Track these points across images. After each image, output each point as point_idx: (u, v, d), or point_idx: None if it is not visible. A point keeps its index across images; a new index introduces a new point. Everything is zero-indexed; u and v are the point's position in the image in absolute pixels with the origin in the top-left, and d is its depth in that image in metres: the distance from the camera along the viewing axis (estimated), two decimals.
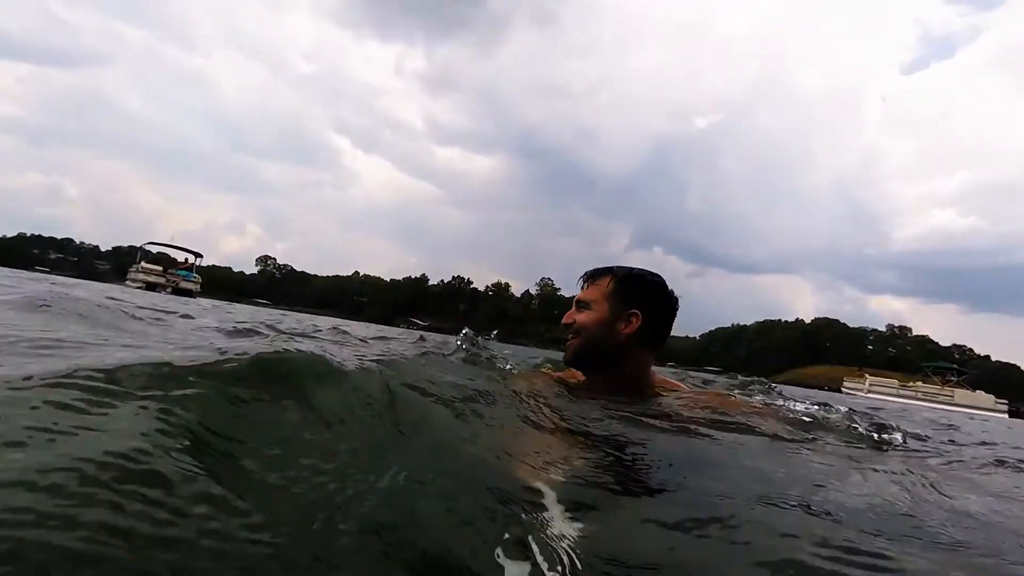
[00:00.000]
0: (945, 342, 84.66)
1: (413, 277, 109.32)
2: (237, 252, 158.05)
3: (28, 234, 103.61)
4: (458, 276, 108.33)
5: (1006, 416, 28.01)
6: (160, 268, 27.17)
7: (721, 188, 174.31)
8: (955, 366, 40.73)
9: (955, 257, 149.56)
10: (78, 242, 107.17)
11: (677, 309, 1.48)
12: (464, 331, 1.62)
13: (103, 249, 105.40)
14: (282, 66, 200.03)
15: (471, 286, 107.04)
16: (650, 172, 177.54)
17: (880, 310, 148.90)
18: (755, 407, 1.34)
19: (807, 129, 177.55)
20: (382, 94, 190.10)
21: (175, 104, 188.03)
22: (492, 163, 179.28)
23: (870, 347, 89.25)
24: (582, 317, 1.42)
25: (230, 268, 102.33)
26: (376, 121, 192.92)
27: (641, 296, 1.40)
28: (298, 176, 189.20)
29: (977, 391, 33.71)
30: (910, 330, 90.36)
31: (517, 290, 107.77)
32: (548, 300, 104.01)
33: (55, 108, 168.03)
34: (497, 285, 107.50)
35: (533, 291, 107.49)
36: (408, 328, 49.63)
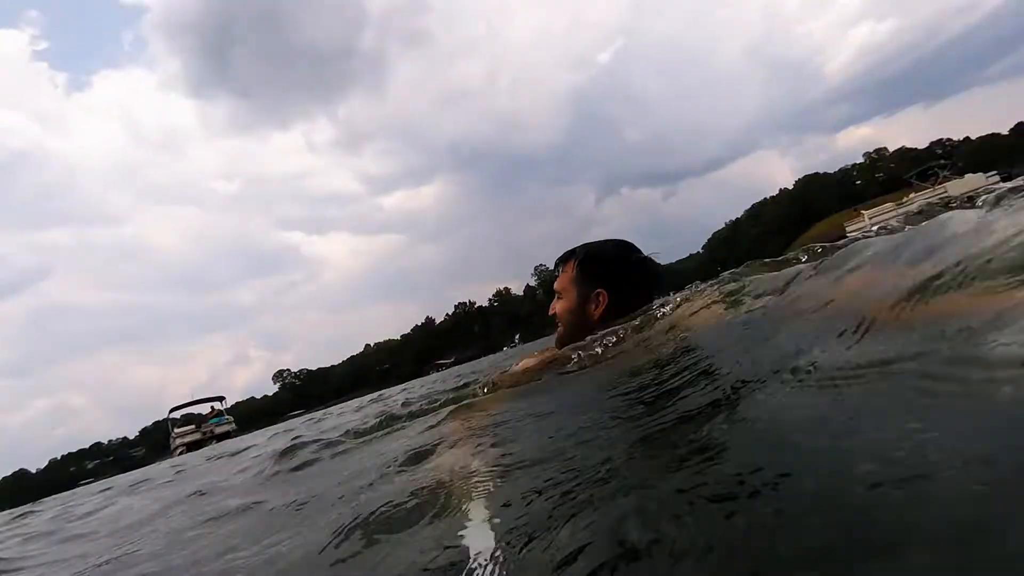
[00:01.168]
0: (923, 144, 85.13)
1: (420, 324, 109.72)
2: (251, 380, 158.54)
3: (58, 456, 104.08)
4: (460, 303, 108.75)
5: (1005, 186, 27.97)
6: (193, 426, 27.83)
7: (649, 107, 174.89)
8: (942, 161, 40.98)
9: (895, 61, 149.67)
10: (107, 442, 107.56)
11: (648, 270, 1.46)
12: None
13: (131, 437, 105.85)
14: (206, 196, 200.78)
15: (476, 306, 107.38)
16: (581, 125, 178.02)
17: (850, 144, 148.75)
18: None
19: (702, 15, 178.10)
20: (308, 175, 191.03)
21: (124, 280, 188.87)
22: (437, 188, 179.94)
23: (859, 183, 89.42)
24: (558, 306, 1.47)
25: (253, 397, 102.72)
26: (315, 202, 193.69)
27: (603, 273, 1.41)
28: (270, 286, 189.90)
29: (966, 176, 34.00)
30: (886, 149, 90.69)
31: (518, 289, 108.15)
32: (551, 284, 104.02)
33: (23, 335, 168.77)
34: (499, 294, 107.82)
35: (533, 283, 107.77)
36: (438, 372, 49.96)
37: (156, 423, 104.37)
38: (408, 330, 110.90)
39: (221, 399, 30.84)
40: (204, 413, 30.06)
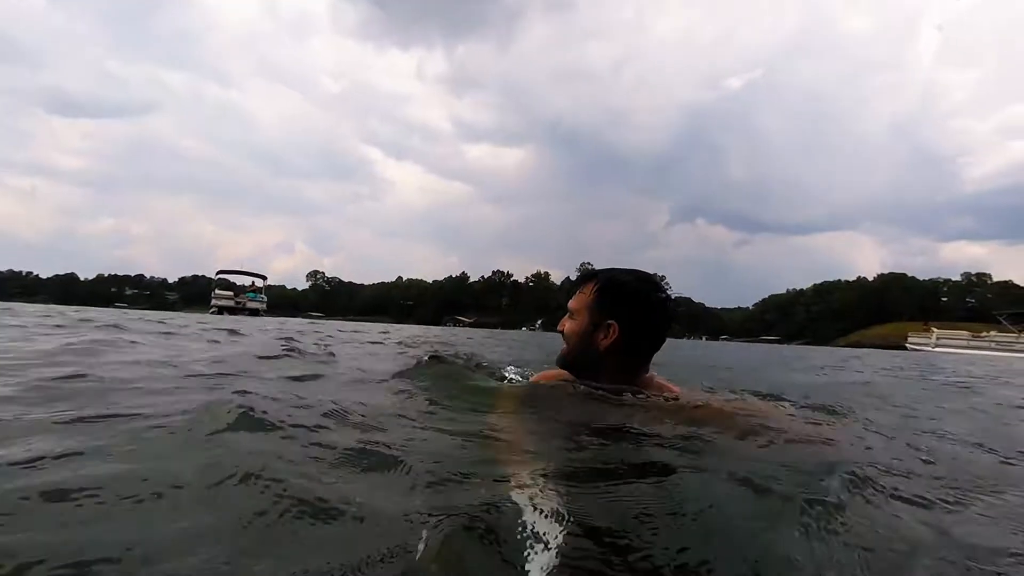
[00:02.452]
0: None
1: (454, 276, 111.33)
2: (289, 270, 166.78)
3: (106, 274, 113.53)
4: (498, 270, 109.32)
5: None
6: (231, 293, 29.97)
7: (764, 149, 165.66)
8: None
9: None
10: (148, 277, 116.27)
11: (667, 314, 1.40)
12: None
13: (171, 281, 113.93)
14: (311, 88, 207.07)
15: (511, 279, 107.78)
16: (686, 143, 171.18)
17: (955, 258, 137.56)
18: (747, 423, 1.16)
19: (856, 73, 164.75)
20: (407, 101, 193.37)
21: (220, 138, 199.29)
22: (522, 155, 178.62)
23: (944, 299, 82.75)
24: (567, 326, 1.42)
25: (284, 286, 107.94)
26: (404, 128, 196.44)
27: (620, 305, 1.36)
28: (338, 191, 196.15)
29: None
30: (989, 276, 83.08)
31: (557, 278, 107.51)
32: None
33: (116, 156, 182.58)
34: (537, 275, 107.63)
35: (573, 277, 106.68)
36: (454, 326, 50.96)
37: (195, 276, 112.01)
38: (441, 278, 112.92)
39: (264, 278, 32.67)
40: (245, 285, 31.93)
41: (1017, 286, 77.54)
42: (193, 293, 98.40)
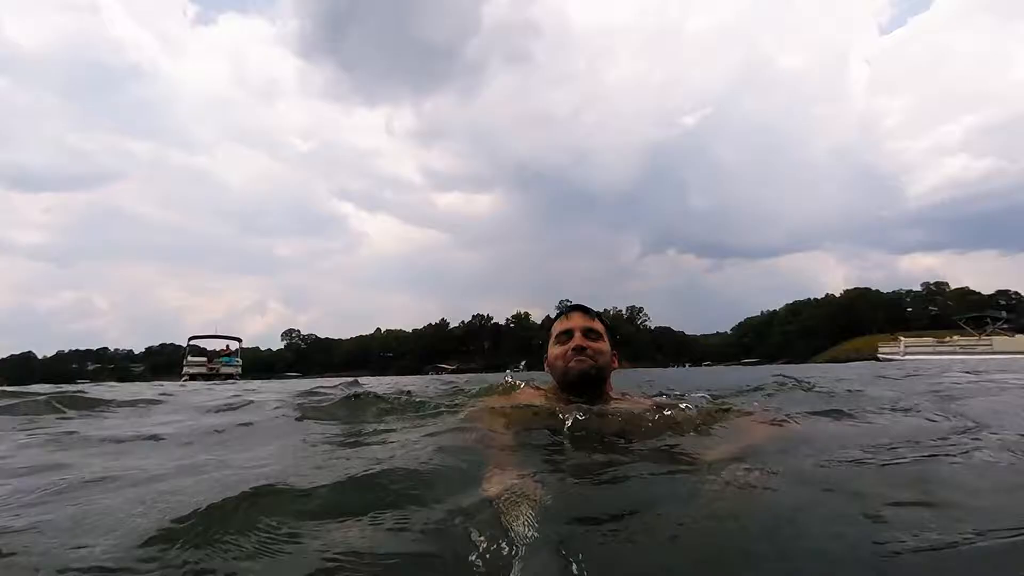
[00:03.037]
0: (988, 290, 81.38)
1: (433, 324, 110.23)
2: (262, 331, 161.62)
3: (66, 350, 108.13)
4: (477, 314, 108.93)
5: None
6: (204, 359, 28.79)
7: (723, 179, 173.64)
8: (1001, 313, 38.96)
9: (981, 201, 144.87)
10: (112, 349, 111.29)
11: None
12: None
13: (136, 352, 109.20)
14: (280, 148, 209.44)
15: (492, 321, 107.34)
16: (649, 178, 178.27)
17: (913, 269, 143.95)
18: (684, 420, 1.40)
19: (797, 106, 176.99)
20: (377, 155, 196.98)
21: (187, 204, 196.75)
22: (492, 199, 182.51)
23: (908, 310, 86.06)
24: (596, 346, 1.61)
25: (258, 347, 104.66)
26: (376, 182, 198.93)
27: (613, 342, 1.71)
28: (309, 247, 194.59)
29: (1017, 336, 32.37)
30: (947, 285, 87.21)
31: (537, 317, 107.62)
32: None
33: (78, 228, 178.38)
34: (517, 316, 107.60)
35: (553, 315, 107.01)
36: (437, 375, 49.93)
37: (163, 344, 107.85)
38: (421, 326, 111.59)
39: (239, 340, 31.61)
40: (219, 350, 30.81)
41: (974, 292, 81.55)
42: (160, 363, 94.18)
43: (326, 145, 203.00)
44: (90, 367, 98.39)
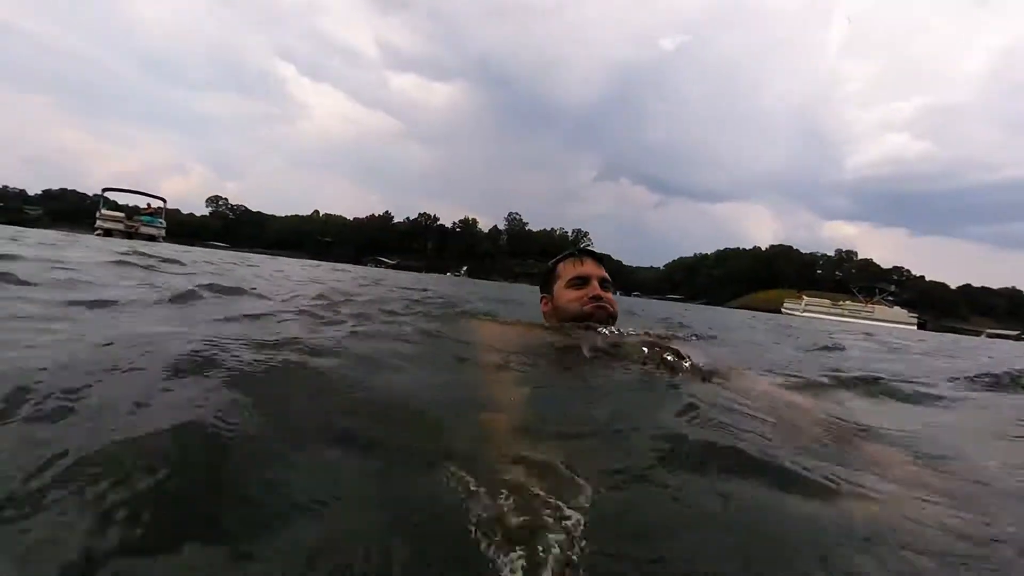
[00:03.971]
0: (887, 264, 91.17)
1: (377, 215, 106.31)
2: (183, 193, 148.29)
3: None
4: (424, 213, 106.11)
5: (914, 328, 31.67)
6: (122, 215, 26.10)
7: (685, 114, 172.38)
8: (891, 287, 44.47)
9: (906, 182, 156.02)
10: (3, 187, 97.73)
11: None
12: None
13: (31, 193, 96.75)
14: None
15: (438, 223, 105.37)
16: (616, 100, 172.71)
17: (833, 235, 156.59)
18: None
19: (770, 51, 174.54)
20: (326, 12, 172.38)
21: (84, 28, 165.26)
22: (451, 91, 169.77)
23: (819, 271, 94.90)
24: (610, 296, 1.62)
25: (179, 210, 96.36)
26: (322, 45, 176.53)
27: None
28: (242, 109, 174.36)
29: (895, 308, 37.78)
30: (855, 254, 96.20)
31: (485, 226, 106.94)
32: (517, 235, 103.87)
33: None
34: (464, 221, 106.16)
35: (501, 226, 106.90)
36: (376, 267, 49.30)
37: (64, 190, 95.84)
38: (363, 216, 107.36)
39: (163, 200, 28.82)
40: (139, 207, 27.97)
41: (875, 264, 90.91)
42: (62, 209, 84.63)
43: None
44: None
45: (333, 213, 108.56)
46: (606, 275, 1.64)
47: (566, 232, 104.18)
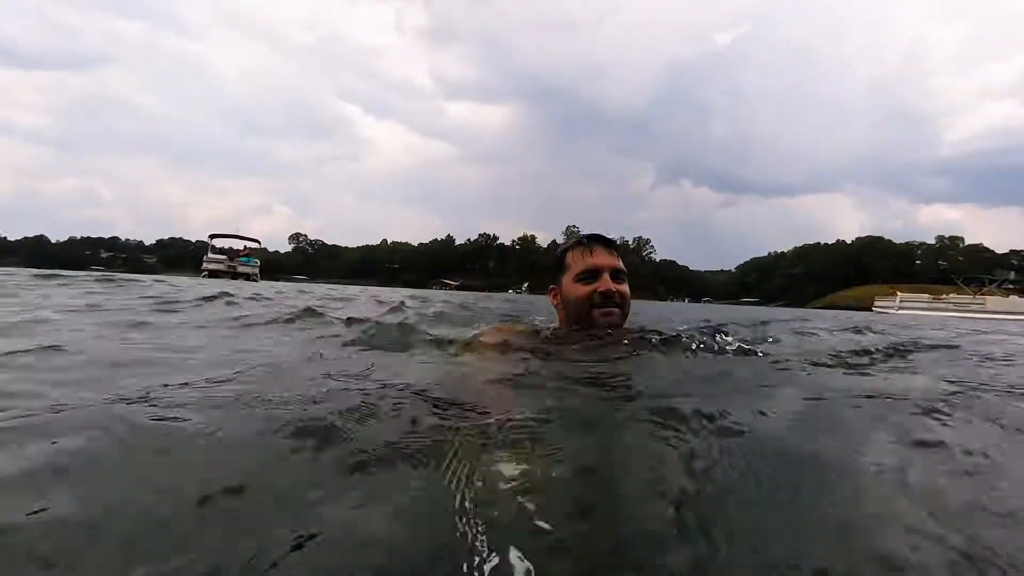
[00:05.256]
0: (1002, 248, 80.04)
1: (440, 239, 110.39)
2: (269, 232, 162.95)
3: (78, 237, 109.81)
4: (484, 233, 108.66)
5: None
6: (225, 257, 29.52)
7: (748, 108, 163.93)
8: (1009, 273, 38.80)
9: (1015, 154, 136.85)
10: (123, 239, 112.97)
11: None
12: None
13: (147, 243, 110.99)
14: (280, 39, 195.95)
15: (498, 242, 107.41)
16: (669, 101, 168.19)
17: (932, 221, 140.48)
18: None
19: (840, 29, 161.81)
20: (384, 54, 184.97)
21: (180, 95, 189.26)
22: (503, 112, 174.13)
23: (918, 263, 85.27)
24: (623, 288, 1.48)
25: (266, 248, 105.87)
26: (383, 84, 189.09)
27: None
28: (315, 151, 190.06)
29: (1012, 296, 32.63)
30: (962, 240, 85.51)
31: (544, 241, 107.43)
32: None
33: (73, 112, 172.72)
34: (523, 238, 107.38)
35: (560, 240, 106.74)
36: (441, 289, 51.03)
37: (173, 239, 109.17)
38: (427, 240, 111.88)
39: (257, 242, 32.11)
40: (237, 249, 31.37)
41: (987, 249, 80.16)
42: (172, 256, 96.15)
43: (329, 39, 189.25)
44: (103, 255, 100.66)
45: (400, 240, 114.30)
46: (619, 264, 1.49)
47: (627, 241, 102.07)
